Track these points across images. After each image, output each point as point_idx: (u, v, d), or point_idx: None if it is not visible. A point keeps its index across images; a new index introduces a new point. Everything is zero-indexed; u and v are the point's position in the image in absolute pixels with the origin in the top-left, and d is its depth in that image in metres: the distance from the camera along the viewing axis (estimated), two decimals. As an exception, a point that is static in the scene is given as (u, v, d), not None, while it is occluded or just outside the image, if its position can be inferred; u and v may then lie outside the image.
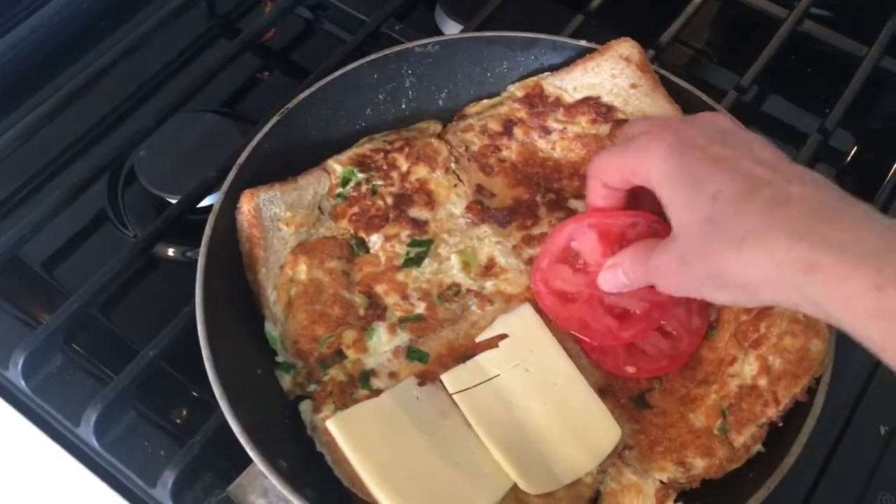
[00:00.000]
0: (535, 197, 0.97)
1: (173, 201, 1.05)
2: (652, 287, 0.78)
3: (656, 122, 0.84)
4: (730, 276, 0.68)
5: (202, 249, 0.85)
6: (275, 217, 0.89)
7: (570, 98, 0.99)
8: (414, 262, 0.91)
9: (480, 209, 0.94)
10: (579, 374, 0.83)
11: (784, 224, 0.65)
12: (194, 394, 0.96)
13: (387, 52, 1.00)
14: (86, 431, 0.87)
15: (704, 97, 0.98)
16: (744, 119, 1.17)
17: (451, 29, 1.28)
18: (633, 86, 0.97)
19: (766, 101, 1.30)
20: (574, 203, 0.96)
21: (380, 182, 0.95)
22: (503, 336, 0.85)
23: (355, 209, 0.93)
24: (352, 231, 0.92)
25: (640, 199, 0.84)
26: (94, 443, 0.87)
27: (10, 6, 1.17)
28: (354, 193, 0.94)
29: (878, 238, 0.62)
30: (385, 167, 0.96)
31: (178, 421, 0.95)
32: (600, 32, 1.09)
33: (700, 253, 0.70)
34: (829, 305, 0.63)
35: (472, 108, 1.03)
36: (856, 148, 1.24)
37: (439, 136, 1.00)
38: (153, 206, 1.10)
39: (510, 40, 1.01)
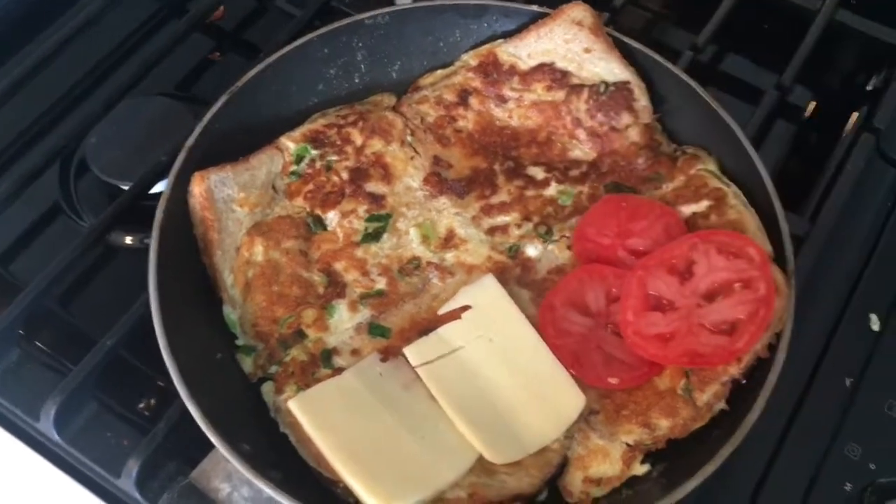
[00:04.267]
0: (493, 165, 0.96)
1: (126, 187, 1.03)
2: (751, 286, 0.78)
3: None
4: None
5: (153, 235, 0.84)
6: (228, 198, 0.87)
7: (524, 65, 0.98)
8: (372, 237, 0.90)
9: (438, 181, 0.93)
10: (543, 342, 0.82)
11: None
12: (159, 383, 0.95)
13: (336, 24, 0.98)
14: (46, 425, 0.85)
15: (659, 59, 0.96)
16: (701, 78, 1.17)
17: (404, 0, 1.26)
18: (587, 50, 0.95)
19: (723, 60, 1.29)
20: (532, 170, 0.95)
21: (334, 157, 0.93)
22: (466, 308, 0.84)
23: (310, 186, 0.92)
24: (308, 209, 0.91)
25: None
26: (56, 436, 0.86)
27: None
28: (309, 170, 0.93)
29: None
30: (339, 142, 0.94)
31: (142, 410, 0.94)
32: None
33: None
34: None
35: (427, 80, 1.01)
36: (814, 103, 1.24)
37: (394, 109, 0.99)
38: (107, 194, 1.08)
39: (461, 8, 1.00)
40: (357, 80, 1.01)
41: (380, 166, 0.94)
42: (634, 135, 0.94)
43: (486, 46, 1.00)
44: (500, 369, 0.82)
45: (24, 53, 1.16)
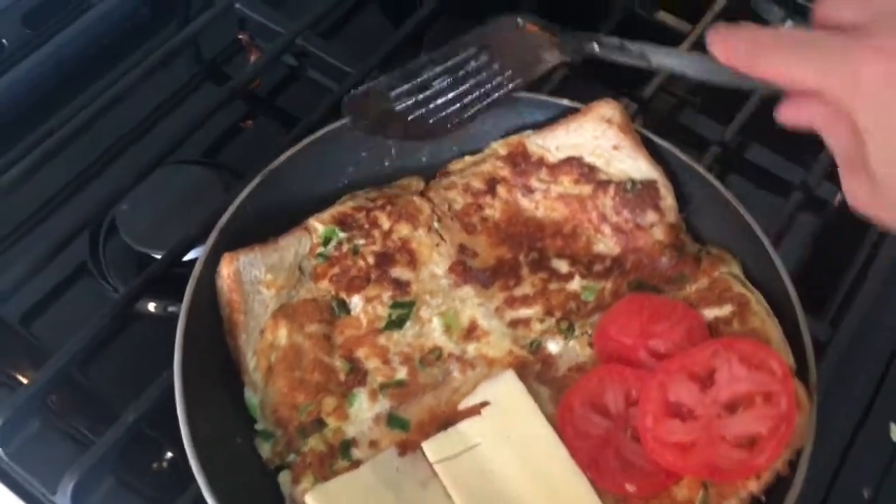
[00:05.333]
0: (518, 256, 0.96)
1: (156, 256, 1.04)
2: (772, 400, 0.77)
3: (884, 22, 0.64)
4: None
5: (181, 316, 0.84)
6: (255, 280, 0.88)
7: (552, 158, 0.99)
8: (396, 324, 0.90)
9: (463, 269, 0.94)
10: (560, 443, 0.82)
11: None
12: (170, 454, 0.95)
13: (370, 110, 1.00)
14: (63, 500, 0.85)
15: (685, 158, 0.98)
16: (726, 167, 1.18)
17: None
18: (616, 147, 0.97)
19: (748, 149, 1.30)
20: (557, 263, 0.96)
21: (361, 241, 0.94)
22: (485, 403, 0.85)
23: (336, 269, 0.92)
24: (333, 292, 0.92)
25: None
26: (72, 511, 0.86)
27: (-7, 58, 1.17)
28: (336, 253, 0.94)
29: None
30: (367, 226, 0.95)
31: (157, 483, 0.94)
32: (584, 86, 1.10)
33: None
34: None
35: (456, 166, 1.03)
36: (840, 196, 1.24)
37: (422, 194, 1.00)
38: (135, 259, 1.09)
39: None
40: (387, 164, 1.03)
41: (406, 252, 0.95)
42: (659, 233, 0.94)
43: (516, 137, 1.01)
44: (517, 469, 0.81)
45: (61, 116, 1.18)
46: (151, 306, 1.07)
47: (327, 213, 0.96)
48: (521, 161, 1.00)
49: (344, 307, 0.91)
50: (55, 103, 1.21)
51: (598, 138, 0.97)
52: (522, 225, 0.98)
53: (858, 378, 0.98)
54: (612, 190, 0.95)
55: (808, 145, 1.23)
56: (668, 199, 0.95)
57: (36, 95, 1.19)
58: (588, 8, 1.35)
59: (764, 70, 0.69)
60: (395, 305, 0.91)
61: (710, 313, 0.89)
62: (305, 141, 0.98)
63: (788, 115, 0.73)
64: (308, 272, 0.93)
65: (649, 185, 0.95)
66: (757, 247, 0.92)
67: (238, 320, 0.86)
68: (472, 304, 0.92)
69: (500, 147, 1.01)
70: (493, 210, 0.99)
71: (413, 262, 0.94)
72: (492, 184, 0.99)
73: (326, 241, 0.94)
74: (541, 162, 0.99)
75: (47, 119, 1.19)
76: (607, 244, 0.96)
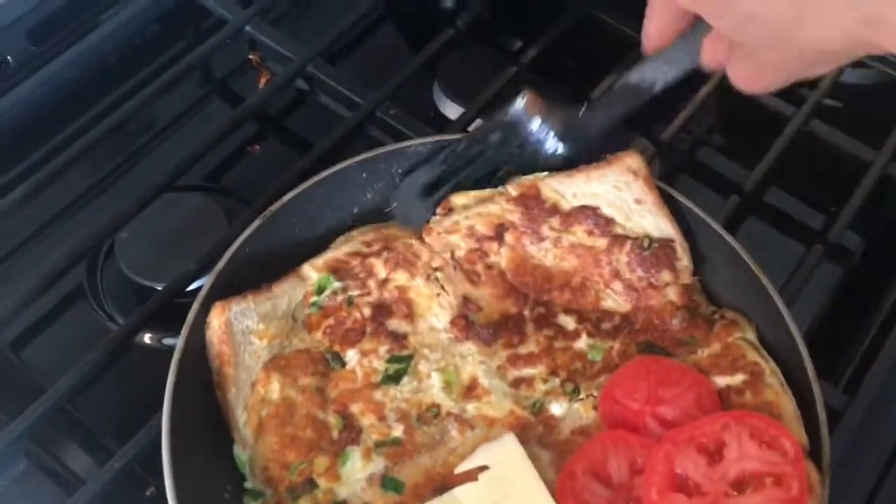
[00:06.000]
0: (524, 311, 0.93)
1: (154, 287, 1.02)
2: (782, 483, 0.75)
3: None
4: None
5: (172, 367, 0.82)
6: (247, 330, 0.85)
7: (566, 205, 0.94)
8: (392, 379, 0.87)
9: (465, 325, 0.90)
10: (560, 515, 0.79)
11: None
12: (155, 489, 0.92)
13: (377, 151, 0.97)
14: (45, 549, 0.83)
15: (702, 214, 0.93)
16: (745, 211, 1.14)
17: (451, 110, 1.25)
18: (638, 201, 0.92)
19: (767, 192, 1.26)
20: (563, 319, 0.92)
21: (356, 292, 0.91)
22: (483, 468, 0.82)
23: (330, 321, 0.89)
24: (327, 344, 0.89)
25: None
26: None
27: (-5, 79, 1.15)
28: (330, 303, 0.90)
29: None
30: (362, 274, 0.92)
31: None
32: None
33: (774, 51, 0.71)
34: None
35: (459, 200, 0.96)
36: (863, 246, 1.20)
37: (420, 238, 0.95)
38: (132, 288, 1.07)
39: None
40: (395, 204, 0.99)
41: (403, 303, 0.91)
42: (672, 294, 0.91)
43: (530, 177, 0.96)
44: (512, 540, 0.78)
45: (65, 137, 1.16)
46: (147, 338, 1.05)
47: (321, 260, 0.92)
48: (533, 205, 0.94)
49: (338, 360, 0.88)
50: (59, 123, 1.19)
51: (620, 189, 0.92)
52: (529, 274, 0.94)
53: (871, 451, 0.93)
54: (628, 246, 0.91)
55: (830, 191, 1.22)
56: (683, 260, 0.91)
57: (39, 115, 1.17)
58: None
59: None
60: (392, 360, 0.88)
61: (722, 381, 0.85)
62: (311, 181, 0.94)
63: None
64: (301, 321, 0.90)
65: (666, 245, 0.91)
66: (772, 311, 0.88)
67: (228, 373, 0.83)
68: (473, 361, 0.89)
69: (512, 187, 0.96)
70: (499, 258, 0.95)
71: (411, 314, 0.91)
72: (499, 230, 0.95)
73: (320, 290, 0.91)
74: (554, 209, 0.94)
75: (51, 139, 1.17)
76: (617, 301, 0.93)
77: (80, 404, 0.99)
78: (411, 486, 0.82)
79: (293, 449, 0.82)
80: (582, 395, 0.87)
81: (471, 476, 0.81)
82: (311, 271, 0.91)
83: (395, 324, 0.90)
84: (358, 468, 0.82)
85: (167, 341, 1.05)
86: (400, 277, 0.92)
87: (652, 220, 0.92)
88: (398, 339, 0.89)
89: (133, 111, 1.16)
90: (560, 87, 1.31)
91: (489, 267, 0.95)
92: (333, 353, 0.88)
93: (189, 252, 1.02)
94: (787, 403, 0.83)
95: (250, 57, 1.30)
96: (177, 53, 1.27)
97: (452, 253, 0.95)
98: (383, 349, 0.88)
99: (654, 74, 0.89)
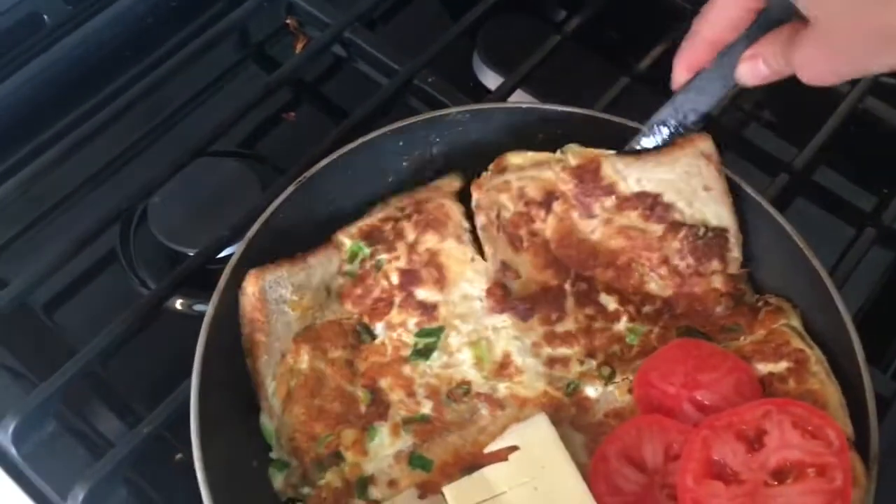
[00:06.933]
0: (564, 284, 0.89)
1: (186, 252, 1.01)
2: (826, 474, 0.72)
3: None
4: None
5: (202, 332, 0.81)
6: (280, 299, 0.84)
7: (626, 189, 0.89)
8: (422, 354, 0.85)
9: (502, 295, 0.87)
10: (591, 498, 0.77)
11: None
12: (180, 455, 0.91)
13: (413, 119, 0.94)
14: (73, 507, 0.83)
15: (751, 191, 0.89)
16: (794, 191, 1.10)
17: (490, 80, 1.21)
18: (707, 188, 0.87)
19: (816, 172, 1.21)
20: (605, 298, 0.89)
21: (385, 255, 0.88)
22: (514, 448, 0.80)
23: (359, 290, 0.87)
24: (357, 315, 0.87)
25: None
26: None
27: (30, 36, 1.13)
28: (360, 271, 0.88)
29: None
30: (391, 237, 0.88)
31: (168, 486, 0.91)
32: (645, 98, 1.02)
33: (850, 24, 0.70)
34: None
35: (514, 159, 0.91)
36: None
37: (459, 192, 0.91)
38: (165, 253, 1.06)
39: (549, 113, 0.94)
40: (430, 174, 0.97)
41: (434, 267, 0.87)
42: (718, 282, 0.87)
43: (596, 151, 0.90)
44: (541, 523, 0.77)
45: (98, 101, 1.15)
46: (178, 303, 1.04)
47: (355, 227, 0.90)
48: (589, 179, 0.89)
49: (368, 332, 0.86)
50: (95, 84, 1.17)
51: (690, 175, 0.87)
52: (574, 247, 0.90)
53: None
54: (682, 233, 0.88)
55: (883, 172, 1.17)
56: (734, 251, 0.87)
57: (75, 75, 1.15)
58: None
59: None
60: (421, 333, 0.86)
61: (764, 368, 0.82)
62: (346, 148, 0.92)
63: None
64: (335, 292, 0.88)
65: (720, 235, 0.87)
66: (821, 294, 0.84)
67: (259, 341, 0.82)
68: (506, 336, 0.86)
69: (572, 155, 0.90)
70: (545, 226, 0.90)
71: (442, 279, 0.88)
72: (549, 198, 0.90)
73: (352, 258, 0.88)
74: (611, 189, 0.89)
75: (86, 101, 1.16)
76: (660, 284, 0.89)
77: (111, 368, 0.99)
78: (439, 465, 0.80)
79: (321, 421, 0.81)
80: (617, 379, 0.85)
81: (501, 456, 0.80)
82: (345, 238, 0.89)
83: (425, 292, 0.87)
84: (386, 444, 0.81)
85: (198, 307, 1.04)
86: (430, 239, 0.88)
87: (714, 209, 0.88)
88: (428, 309, 0.86)
89: (168, 74, 1.14)
90: (603, 60, 1.27)
91: (533, 234, 0.91)
92: (363, 324, 0.86)
93: (222, 218, 1.00)
94: (832, 393, 0.80)
95: (287, 21, 1.27)
96: (213, 16, 1.24)
97: (499, 213, 0.90)
98: (412, 322, 0.86)
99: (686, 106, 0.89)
